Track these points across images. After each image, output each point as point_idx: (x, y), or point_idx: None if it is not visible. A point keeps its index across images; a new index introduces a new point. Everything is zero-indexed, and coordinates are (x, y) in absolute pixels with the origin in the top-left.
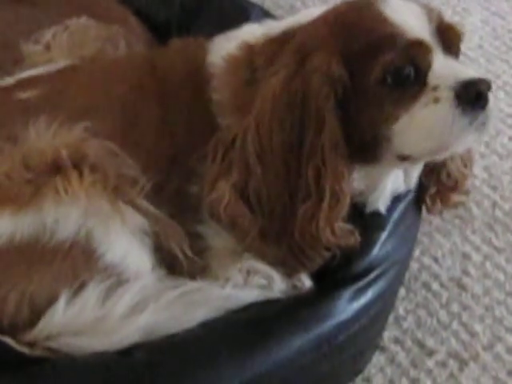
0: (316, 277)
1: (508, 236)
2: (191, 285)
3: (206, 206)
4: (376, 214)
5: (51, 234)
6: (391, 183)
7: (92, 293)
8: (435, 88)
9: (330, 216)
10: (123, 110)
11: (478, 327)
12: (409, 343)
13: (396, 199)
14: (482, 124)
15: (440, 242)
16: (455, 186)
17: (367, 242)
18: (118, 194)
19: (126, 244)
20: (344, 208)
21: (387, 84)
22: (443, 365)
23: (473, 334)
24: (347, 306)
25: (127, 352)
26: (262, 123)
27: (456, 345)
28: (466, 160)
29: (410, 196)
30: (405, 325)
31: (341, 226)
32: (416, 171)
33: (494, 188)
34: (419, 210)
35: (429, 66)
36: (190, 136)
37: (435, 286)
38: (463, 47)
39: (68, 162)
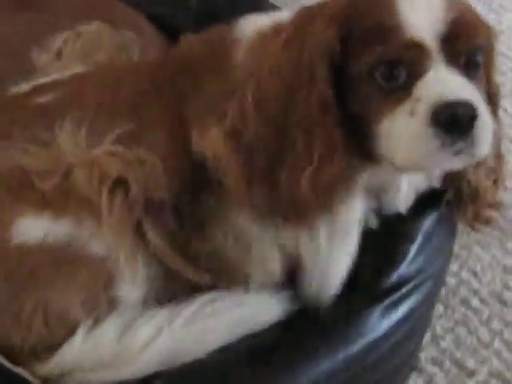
0: (343, 291)
1: None
2: (205, 297)
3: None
4: (403, 222)
5: (84, 245)
6: (407, 182)
7: (110, 326)
8: (418, 99)
9: (314, 183)
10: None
11: None
12: (447, 364)
13: (427, 207)
14: (463, 151)
15: (479, 254)
16: (476, 199)
17: (396, 254)
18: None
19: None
20: (333, 177)
21: (375, 79)
22: None
23: None
24: (377, 323)
25: (147, 381)
26: (262, 78)
27: (498, 364)
28: (491, 172)
29: (443, 205)
30: (443, 344)
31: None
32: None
33: None
34: (455, 220)
35: (421, 74)
36: None
37: (475, 302)
38: (501, 46)
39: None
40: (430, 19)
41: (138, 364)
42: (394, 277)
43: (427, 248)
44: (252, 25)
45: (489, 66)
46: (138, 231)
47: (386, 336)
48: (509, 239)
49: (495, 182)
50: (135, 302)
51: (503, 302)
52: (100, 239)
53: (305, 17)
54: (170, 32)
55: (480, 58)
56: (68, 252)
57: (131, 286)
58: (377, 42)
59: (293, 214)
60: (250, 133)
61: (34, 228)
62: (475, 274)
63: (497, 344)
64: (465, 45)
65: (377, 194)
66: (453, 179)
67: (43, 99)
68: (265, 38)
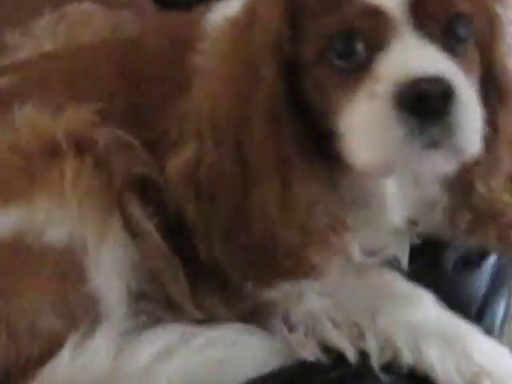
0: None
1: None
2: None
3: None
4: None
5: (39, 236)
6: (397, 188)
7: (102, 339)
8: (377, 79)
9: (282, 207)
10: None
11: None
12: None
13: None
14: (440, 143)
15: None
16: (495, 217)
17: None
18: (119, 202)
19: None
20: (298, 196)
21: (330, 60)
22: None
23: None
24: None
25: None
26: (212, 89)
27: None
28: (509, 181)
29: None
30: None
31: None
32: (424, 188)
33: None
34: None
35: (382, 47)
36: None
37: None
38: None
39: (68, 151)
40: None
41: None
42: None
43: None
44: (223, 12)
45: (491, 44)
46: (115, 206)
47: None
48: None
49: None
50: (123, 305)
51: None
52: (60, 222)
53: (248, 7)
54: (173, 5)
55: (467, 30)
56: (20, 249)
57: (108, 275)
58: (327, 13)
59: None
60: (209, 156)
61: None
62: None
63: None
64: (441, 10)
65: (359, 206)
66: (463, 190)
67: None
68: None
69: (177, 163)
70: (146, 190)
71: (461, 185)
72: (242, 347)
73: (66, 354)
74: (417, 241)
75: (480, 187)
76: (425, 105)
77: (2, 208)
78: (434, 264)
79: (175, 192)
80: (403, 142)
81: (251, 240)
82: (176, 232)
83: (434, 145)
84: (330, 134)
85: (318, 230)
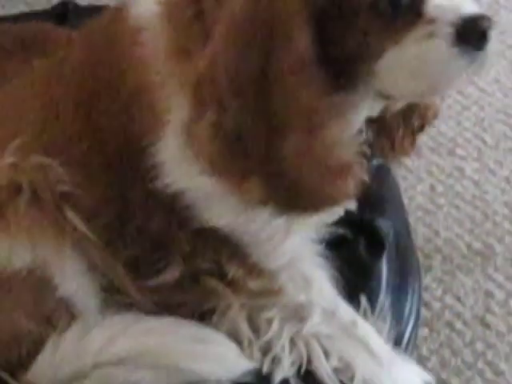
0: None
1: None
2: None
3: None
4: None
5: (6, 263)
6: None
7: (70, 335)
8: (431, 21)
9: (308, 151)
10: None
11: (503, 366)
12: None
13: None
14: (479, 64)
15: (462, 280)
16: (422, 127)
17: None
18: (60, 222)
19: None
20: (325, 139)
21: (378, 8)
22: None
23: (498, 373)
24: None
25: None
26: (227, 52)
27: None
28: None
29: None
30: (429, 365)
31: (327, 160)
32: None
33: None
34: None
35: None
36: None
37: (458, 324)
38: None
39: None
40: None
41: (97, 373)
42: None
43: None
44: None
45: None
46: (59, 223)
47: None
48: (490, 264)
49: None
50: (93, 300)
51: (486, 325)
52: (19, 250)
53: None
54: None
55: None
56: (33, 277)
57: (73, 280)
58: None
59: (298, 198)
60: (233, 117)
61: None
62: (459, 299)
63: (480, 365)
64: None
65: None
66: (403, 115)
67: None
68: (176, 9)
69: (205, 123)
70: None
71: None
72: (173, 338)
73: (47, 352)
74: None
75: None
76: (482, 39)
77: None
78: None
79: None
80: (462, 70)
81: (284, 180)
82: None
83: (479, 67)
84: (352, 75)
85: (336, 169)
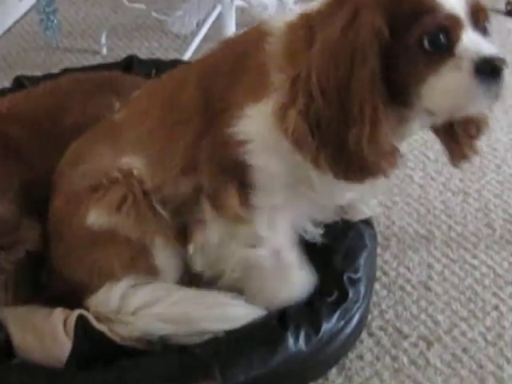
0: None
1: (460, 251)
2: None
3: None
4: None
5: (120, 231)
6: (416, 129)
7: (119, 290)
8: (460, 58)
9: (370, 138)
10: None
11: (440, 317)
12: (390, 330)
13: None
14: (494, 93)
15: (411, 256)
16: (477, 136)
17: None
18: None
19: (170, 255)
20: (382, 132)
21: (423, 46)
22: (415, 345)
23: (436, 323)
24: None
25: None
26: (321, 63)
27: (424, 330)
28: (480, 124)
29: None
30: (387, 316)
31: (387, 148)
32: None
33: (449, 216)
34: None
35: (459, 38)
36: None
37: (408, 288)
38: None
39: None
40: (459, 2)
41: (130, 326)
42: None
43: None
44: (280, 20)
45: None
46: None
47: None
48: (431, 245)
49: (479, 131)
50: (173, 275)
51: (428, 288)
52: (129, 228)
53: (351, 9)
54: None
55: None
56: (112, 235)
57: (167, 259)
58: (423, 18)
59: (357, 170)
60: (317, 109)
61: (95, 218)
62: (408, 269)
63: (423, 316)
64: (483, 18)
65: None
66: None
67: (117, 116)
68: (295, 29)
69: (290, 119)
70: None
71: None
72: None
73: (119, 289)
74: None
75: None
76: (496, 73)
77: (113, 216)
78: None
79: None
80: (480, 97)
81: (349, 157)
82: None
83: (495, 95)
84: (404, 90)
85: (388, 151)
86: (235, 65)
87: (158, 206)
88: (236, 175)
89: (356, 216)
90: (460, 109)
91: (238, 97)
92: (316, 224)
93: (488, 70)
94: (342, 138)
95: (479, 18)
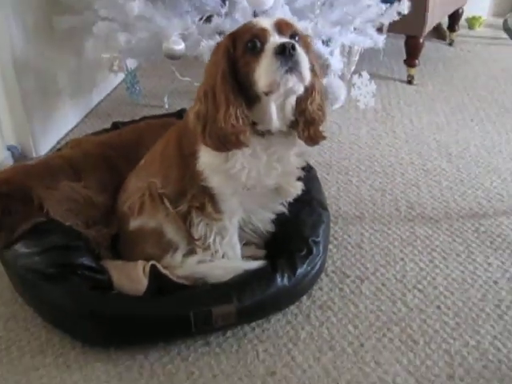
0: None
1: (380, 225)
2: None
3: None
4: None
5: (146, 226)
6: (275, 114)
7: (179, 253)
8: (267, 49)
9: (225, 117)
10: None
11: (368, 264)
12: (338, 272)
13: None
14: (292, 67)
15: (350, 228)
16: (314, 122)
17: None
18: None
19: (177, 232)
20: (232, 112)
21: (248, 50)
22: (353, 282)
23: (366, 268)
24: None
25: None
26: (203, 80)
27: (359, 272)
28: (320, 107)
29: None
30: (336, 264)
31: (235, 124)
32: (287, 109)
33: (374, 204)
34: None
35: (267, 40)
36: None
37: (349, 247)
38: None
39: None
40: (268, 22)
41: (181, 269)
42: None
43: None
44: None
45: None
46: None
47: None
48: (362, 221)
49: (323, 112)
50: (181, 244)
51: (361, 248)
52: (151, 220)
53: (218, 43)
54: None
55: (297, 39)
56: (156, 231)
57: (172, 233)
58: (245, 33)
59: (222, 142)
60: (201, 107)
61: (143, 221)
62: (349, 236)
63: (358, 264)
64: (285, 28)
65: (261, 123)
66: (300, 113)
67: (141, 163)
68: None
69: (193, 112)
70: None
71: (299, 107)
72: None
73: (177, 255)
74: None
75: (309, 109)
76: (285, 51)
77: (139, 218)
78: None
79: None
80: (279, 68)
81: (216, 128)
82: None
83: (290, 70)
84: (249, 84)
85: (238, 129)
86: (187, 131)
87: (165, 201)
88: (207, 193)
89: (287, 196)
90: (271, 79)
91: (195, 146)
92: (266, 210)
93: (280, 50)
94: (213, 120)
95: (283, 29)
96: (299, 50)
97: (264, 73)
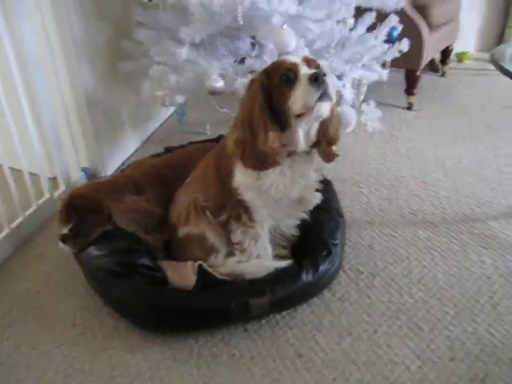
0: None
1: (387, 229)
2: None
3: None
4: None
5: (192, 233)
6: (302, 137)
7: (221, 255)
8: (301, 79)
9: (264, 141)
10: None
11: (378, 262)
12: (354, 269)
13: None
14: (323, 93)
15: (363, 231)
16: (332, 142)
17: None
18: (204, 217)
19: (218, 237)
20: (270, 136)
21: (283, 81)
22: (367, 277)
23: (377, 265)
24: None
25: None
26: (239, 110)
27: (371, 269)
28: (337, 129)
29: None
30: (351, 263)
31: (274, 146)
32: (312, 131)
33: (382, 211)
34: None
35: (298, 72)
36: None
37: (362, 248)
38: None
39: (192, 206)
40: (298, 59)
41: (223, 268)
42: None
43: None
44: None
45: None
46: (204, 217)
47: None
48: (373, 226)
49: (338, 134)
50: (222, 248)
51: (372, 248)
52: (195, 228)
53: (251, 80)
54: None
55: (323, 71)
56: (200, 237)
57: (213, 238)
58: (280, 69)
59: (261, 163)
60: (239, 134)
61: (190, 229)
62: (362, 238)
63: (370, 263)
64: (312, 62)
65: (291, 145)
66: (323, 135)
67: (188, 180)
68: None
69: (232, 139)
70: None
71: (322, 130)
72: (264, 263)
73: (219, 257)
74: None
75: (330, 130)
76: (318, 79)
77: (186, 226)
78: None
79: (231, 151)
80: (313, 94)
81: (257, 151)
82: None
83: (322, 96)
84: (283, 111)
85: (275, 149)
86: (224, 154)
87: (207, 213)
88: (242, 205)
89: (309, 205)
90: (307, 103)
91: (231, 167)
92: (291, 218)
93: (314, 78)
94: (252, 144)
95: (310, 63)
96: (328, 77)
97: (300, 98)
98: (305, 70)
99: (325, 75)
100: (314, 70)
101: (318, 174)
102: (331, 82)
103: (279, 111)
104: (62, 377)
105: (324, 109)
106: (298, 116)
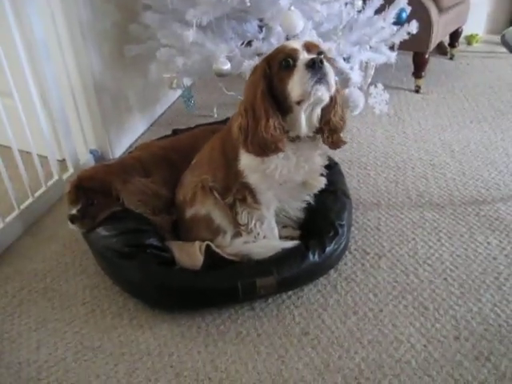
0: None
1: (394, 210)
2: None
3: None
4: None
5: (199, 214)
6: (304, 122)
7: (228, 235)
8: (299, 65)
9: (265, 128)
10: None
11: (385, 243)
12: (360, 250)
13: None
14: (320, 78)
15: (369, 213)
16: (336, 130)
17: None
18: (212, 197)
19: (224, 218)
20: (271, 123)
21: (282, 68)
22: (372, 258)
23: (383, 246)
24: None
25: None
26: (243, 97)
27: (377, 250)
28: (341, 118)
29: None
30: (358, 243)
31: (274, 134)
32: (314, 117)
33: (389, 193)
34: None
35: (298, 58)
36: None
37: (368, 229)
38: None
39: (199, 187)
40: (298, 44)
41: (230, 248)
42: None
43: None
44: None
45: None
46: (212, 197)
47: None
48: (379, 207)
49: (343, 122)
50: (228, 229)
51: (378, 229)
52: (202, 209)
53: (254, 66)
54: None
55: (324, 56)
56: (207, 218)
57: (220, 219)
58: (279, 54)
59: (263, 149)
60: (243, 121)
61: (196, 210)
62: (368, 220)
63: (376, 243)
64: (312, 47)
65: (292, 129)
66: (325, 123)
67: (194, 161)
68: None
69: (236, 125)
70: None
71: (324, 118)
72: (270, 244)
73: (227, 238)
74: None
75: (333, 118)
76: (315, 65)
77: (193, 207)
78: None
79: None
80: (310, 79)
81: (258, 138)
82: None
83: (319, 81)
84: (284, 97)
85: (276, 136)
86: (229, 138)
87: (215, 193)
88: (247, 188)
89: (312, 189)
90: (304, 89)
91: (237, 151)
92: (296, 200)
93: (311, 63)
94: (254, 131)
95: (310, 48)
96: (326, 63)
97: (297, 84)
98: (304, 56)
99: (322, 61)
100: (312, 56)
101: (323, 159)
102: (329, 67)
103: (280, 98)
104: (73, 353)
105: (321, 92)
106: (298, 103)
